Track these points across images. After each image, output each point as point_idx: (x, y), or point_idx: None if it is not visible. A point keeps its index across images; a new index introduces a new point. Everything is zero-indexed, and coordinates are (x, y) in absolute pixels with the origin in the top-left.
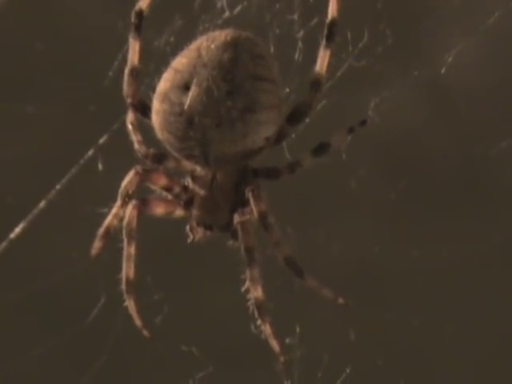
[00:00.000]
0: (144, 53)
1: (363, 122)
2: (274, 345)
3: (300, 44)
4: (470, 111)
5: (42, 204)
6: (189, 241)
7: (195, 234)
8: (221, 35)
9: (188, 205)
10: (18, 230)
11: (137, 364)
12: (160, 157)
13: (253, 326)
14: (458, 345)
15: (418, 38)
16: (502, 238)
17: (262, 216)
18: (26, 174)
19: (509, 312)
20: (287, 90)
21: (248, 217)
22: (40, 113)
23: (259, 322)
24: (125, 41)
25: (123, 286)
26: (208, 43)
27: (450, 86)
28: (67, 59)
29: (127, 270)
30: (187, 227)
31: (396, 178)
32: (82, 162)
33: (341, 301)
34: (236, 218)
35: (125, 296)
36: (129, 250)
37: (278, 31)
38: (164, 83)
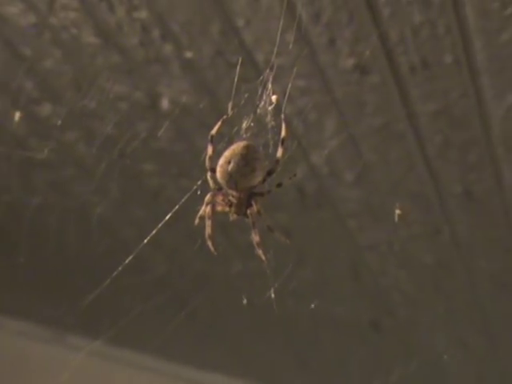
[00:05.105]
0: (214, 151)
1: (294, 175)
2: (260, 254)
3: (271, 146)
4: None
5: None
6: (231, 219)
7: (233, 217)
8: (241, 143)
9: (230, 207)
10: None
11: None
12: (220, 189)
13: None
14: None
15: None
16: None
17: (259, 211)
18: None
19: None
20: (267, 162)
21: (254, 210)
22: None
23: (257, 248)
24: (206, 147)
25: (207, 236)
26: (237, 146)
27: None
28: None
29: (208, 230)
30: (230, 216)
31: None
32: (189, 193)
33: (287, 241)
34: (248, 211)
35: (206, 237)
36: (208, 223)
37: (262, 141)
38: (221, 160)
